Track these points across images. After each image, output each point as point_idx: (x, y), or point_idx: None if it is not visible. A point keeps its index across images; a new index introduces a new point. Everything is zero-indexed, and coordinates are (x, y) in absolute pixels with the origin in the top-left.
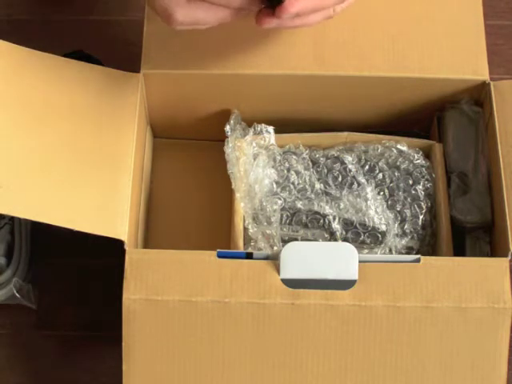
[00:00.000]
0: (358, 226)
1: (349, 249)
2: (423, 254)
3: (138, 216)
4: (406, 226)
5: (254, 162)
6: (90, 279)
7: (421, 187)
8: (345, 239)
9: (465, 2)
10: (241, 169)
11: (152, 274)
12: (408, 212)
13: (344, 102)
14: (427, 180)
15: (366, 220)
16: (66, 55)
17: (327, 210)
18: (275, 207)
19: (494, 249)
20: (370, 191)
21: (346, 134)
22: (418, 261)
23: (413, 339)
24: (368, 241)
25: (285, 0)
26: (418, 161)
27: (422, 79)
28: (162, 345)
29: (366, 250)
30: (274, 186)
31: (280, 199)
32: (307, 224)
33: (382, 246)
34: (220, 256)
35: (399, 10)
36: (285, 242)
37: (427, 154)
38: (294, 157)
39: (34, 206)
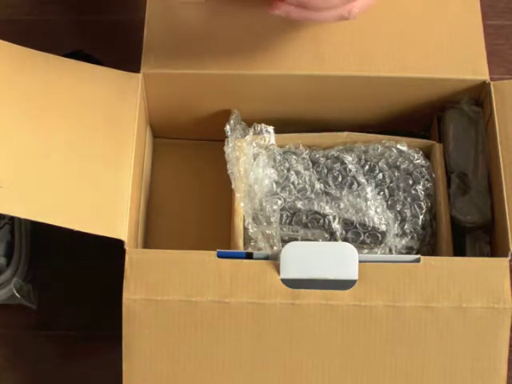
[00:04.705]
0: (358, 226)
1: (349, 249)
2: (423, 254)
3: (138, 216)
4: (406, 226)
5: (253, 162)
6: (90, 279)
7: (421, 187)
8: (345, 239)
9: (464, 2)
10: (241, 169)
11: (152, 274)
12: (408, 212)
13: (344, 102)
14: (427, 180)
15: (366, 220)
16: (66, 55)
17: (327, 209)
18: (275, 207)
19: (494, 249)
20: (370, 191)
21: (345, 133)
22: (418, 261)
23: (413, 339)
24: (368, 241)
25: None
26: (418, 161)
27: (422, 79)
28: (162, 345)
29: (366, 250)
30: (274, 186)
31: (280, 199)
32: (307, 224)
33: (382, 245)
34: (220, 256)
35: (399, 11)
36: (285, 242)
37: (427, 154)
38: (294, 157)
39: (34, 206)
